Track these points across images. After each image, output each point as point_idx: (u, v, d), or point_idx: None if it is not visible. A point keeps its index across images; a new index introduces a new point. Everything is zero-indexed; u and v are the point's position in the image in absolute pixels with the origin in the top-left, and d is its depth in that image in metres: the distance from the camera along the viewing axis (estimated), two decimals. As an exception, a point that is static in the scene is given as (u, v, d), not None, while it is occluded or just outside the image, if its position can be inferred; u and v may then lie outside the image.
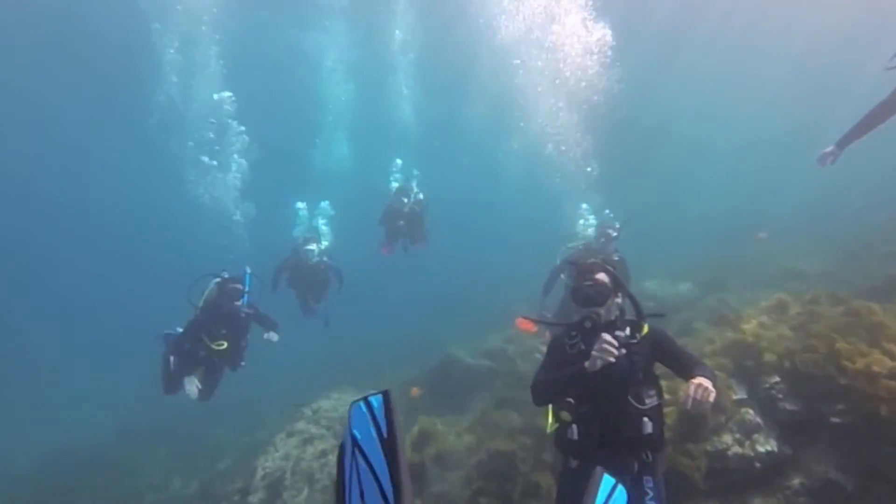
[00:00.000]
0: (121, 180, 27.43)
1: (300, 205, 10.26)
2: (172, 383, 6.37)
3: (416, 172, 10.18)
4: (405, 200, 8.85)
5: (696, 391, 2.57)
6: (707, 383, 2.61)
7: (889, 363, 4.12)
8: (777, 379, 4.85)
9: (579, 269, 3.20)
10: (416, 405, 8.05)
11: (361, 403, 1.28)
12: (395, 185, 9.64)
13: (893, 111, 4.34)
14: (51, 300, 29.06)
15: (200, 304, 6.26)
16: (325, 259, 8.24)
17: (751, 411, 4.75)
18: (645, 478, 2.86)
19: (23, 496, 11.32)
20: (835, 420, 4.35)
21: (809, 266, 10.91)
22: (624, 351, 2.84)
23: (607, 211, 8.13)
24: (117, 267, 29.90)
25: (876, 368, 4.09)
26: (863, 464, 4.10)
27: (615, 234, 6.97)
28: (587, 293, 3.03)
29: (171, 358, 6.23)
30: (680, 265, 13.10)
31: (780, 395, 4.78)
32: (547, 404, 3.15)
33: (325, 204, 10.48)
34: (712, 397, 2.56)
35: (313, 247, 8.05)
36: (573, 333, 3.12)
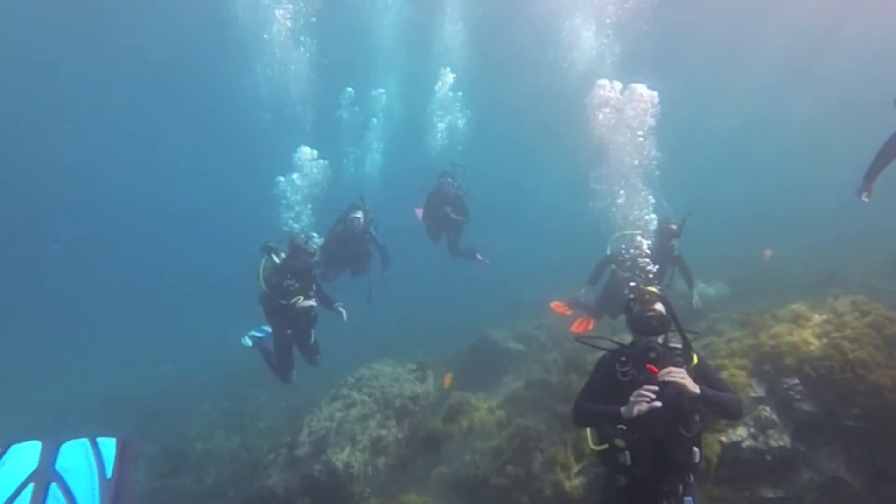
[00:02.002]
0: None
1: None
2: (283, 371, 6.95)
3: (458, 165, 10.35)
4: (450, 181, 8.69)
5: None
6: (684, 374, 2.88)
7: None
8: (796, 381, 5.12)
9: (640, 298, 3.24)
10: (453, 380, 8.60)
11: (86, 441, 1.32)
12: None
13: None
14: (124, 273, 31.27)
15: (261, 281, 6.58)
16: (371, 230, 8.23)
17: (767, 409, 5.07)
18: (686, 498, 3.01)
19: (89, 433, 12.53)
20: (849, 423, 4.64)
21: (850, 274, 10.86)
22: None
23: (665, 204, 7.72)
24: (185, 246, 31.73)
25: (888, 381, 4.35)
26: (872, 466, 4.40)
27: (675, 227, 6.71)
28: (651, 324, 3.08)
29: (267, 357, 6.78)
30: (717, 264, 13.16)
31: (798, 397, 5.05)
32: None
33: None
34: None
35: (359, 214, 8.02)
36: (623, 359, 3.11)
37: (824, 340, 5.41)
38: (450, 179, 8.66)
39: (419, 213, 9.22)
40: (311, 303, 6.63)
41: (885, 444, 4.27)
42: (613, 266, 6.92)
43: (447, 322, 14.06)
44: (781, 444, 4.84)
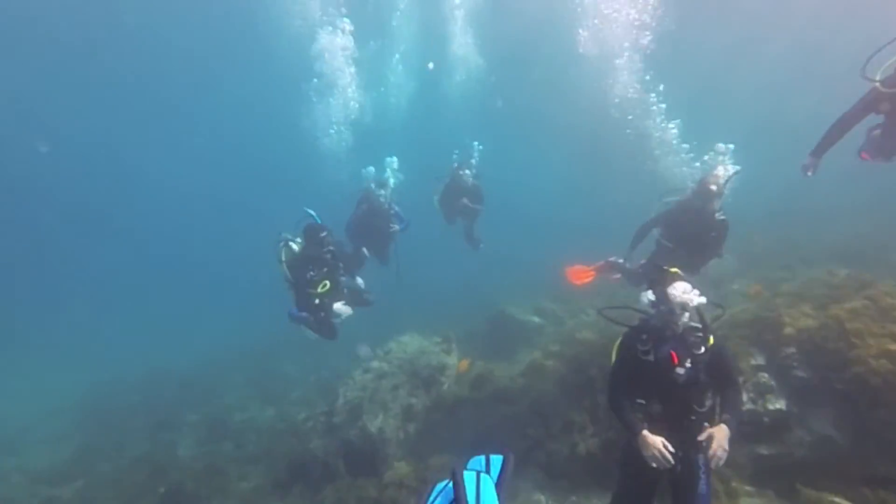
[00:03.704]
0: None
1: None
2: (327, 330, 6.86)
3: (476, 144, 10.07)
4: (467, 173, 8.91)
5: (713, 444, 3.13)
6: (725, 437, 3.14)
7: (888, 345, 4.81)
8: (793, 350, 5.58)
9: (663, 278, 3.47)
10: (473, 352, 9.17)
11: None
12: (455, 156, 9.55)
13: (857, 120, 4.71)
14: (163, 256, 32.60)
15: (284, 265, 6.57)
16: (394, 207, 8.31)
17: (766, 375, 5.54)
18: (699, 458, 3.31)
19: (134, 402, 13.55)
20: (839, 387, 5.09)
21: (865, 246, 10.98)
22: (689, 366, 3.30)
23: (706, 157, 7.18)
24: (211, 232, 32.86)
25: (874, 349, 4.80)
26: (857, 424, 4.87)
27: (716, 189, 5.79)
28: (669, 306, 3.36)
29: (308, 323, 6.76)
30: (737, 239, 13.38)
31: (795, 364, 5.51)
32: None
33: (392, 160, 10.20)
34: (722, 462, 3.12)
35: (383, 191, 8.15)
36: (644, 337, 3.43)
37: (822, 312, 5.84)
38: (466, 171, 8.85)
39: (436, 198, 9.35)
40: (346, 313, 6.71)
41: (870, 405, 4.73)
42: (657, 231, 6.39)
43: (467, 297, 14.64)
44: (778, 406, 5.33)
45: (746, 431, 5.32)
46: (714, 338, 3.40)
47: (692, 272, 5.90)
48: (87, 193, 32.06)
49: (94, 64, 22.62)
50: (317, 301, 6.56)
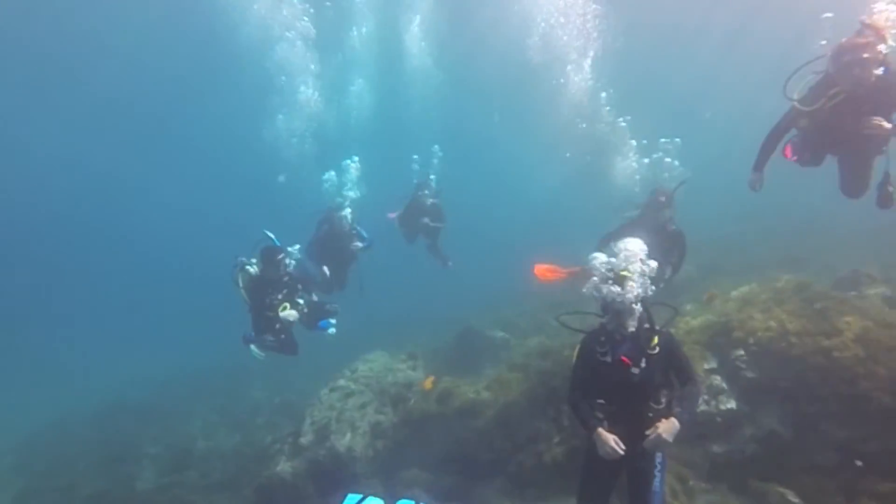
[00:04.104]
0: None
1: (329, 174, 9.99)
2: (288, 347, 6.92)
3: (436, 149, 10.24)
4: (426, 193, 9.00)
5: (654, 436, 3.33)
6: (671, 430, 3.32)
7: (822, 342, 5.17)
8: (742, 352, 5.90)
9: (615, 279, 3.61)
10: (439, 368, 9.25)
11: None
12: (415, 159, 9.78)
13: (783, 135, 5.06)
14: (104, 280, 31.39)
15: (242, 290, 6.55)
16: (356, 227, 8.31)
17: (718, 377, 5.83)
18: (655, 454, 3.52)
19: (87, 437, 12.96)
20: (783, 384, 5.42)
21: (811, 254, 11.61)
22: (647, 366, 3.47)
23: (666, 174, 7.44)
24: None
25: (811, 347, 5.15)
26: (799, 418, 5.19)
27: (664, 199, 6.27)
28: (615, 308, 3.54)
29: (263, 341, 6.79)
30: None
31: (744, 366, 5.82)
32: None
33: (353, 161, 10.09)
34: (665, 448, 3.40)
35: (346, 212, 8.10)
36: (602, 339, 3.61)
37: (767, 315, 6.19)
38: (426, 192, 8.99)
39: (393, 216, 9.44)
40: (293, 316, 6.71)
41: (808, 400, 5.05)
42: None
43: (433, 314, 14.73)
44: (729, 406, 5.61)
45: (701, 432, 5.59)
46: (660, 336, 3.57)
47: (654, 283, 6.14)
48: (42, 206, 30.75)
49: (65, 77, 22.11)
50: (277, 325, 6.60)
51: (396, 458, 7.19)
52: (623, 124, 10.05)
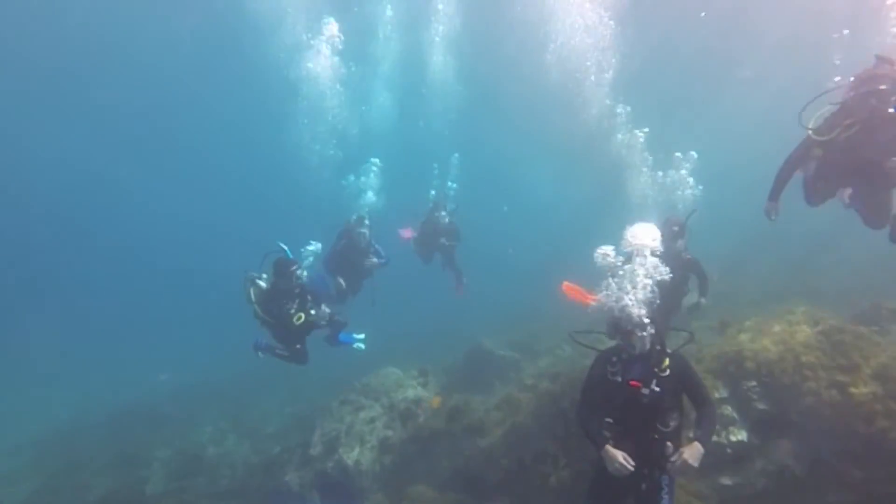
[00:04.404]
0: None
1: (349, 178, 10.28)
2: (300, 356, 7.02)
3: (456, 156, 10.59)
4: (443, 214, 9.10)
5: (680, 461, 3.30)
6: (696, 454, 3.30)
7: (837, 377, 5.12)
8: (754, 383, 5.85)
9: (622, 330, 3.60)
10: (450, 385, 9.29)
11: None
12: (433, 194, 9.81)
13: (798, 164, 5.10)
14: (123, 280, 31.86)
15: (255, 304, 6.63)
16: (374, 245, 8.38)
17: (729, 408, 5.78)
18: (663, 476, 3.56)
19: (101, 437, 13.19)
20: (795, 418, 5.37)
21: (830, 284, 11.47)
22: (657, 389, 3.47)
23: (680, 206, 7.55)
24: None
25: (825, 380, 5.10)
26: (812, 454, 5.13)
27: (678, 229, 6.41)
28: (622, 328, 3.54)
29: (272, 350, 6.93)
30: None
31: (755, 397, 5.77)
32: None
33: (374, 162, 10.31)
34: (693, 472, 3.39)
35: (365, 229, 8.14)
36: (614, 359, 3.63)
37: (780, 346, 6.14)
38: (443, 213, 9.10)
39: (405, 233, 9.57)
40: (324, 318, 6.84)
41: (822, 435, 4.99)
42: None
43: (445, 331, 14.76)
44: (740, 438, 5.56)
45: (710, 462, 5.53)
46: (672, 358, 3.59)
47: (668, 312, 6.18)
48: (60, 213, 31.46)
49: (74, 82, 22.73)
50: (299, 336, 6.70)
51: (403, 474, 7.21)
52: (641, 137, 10.06)
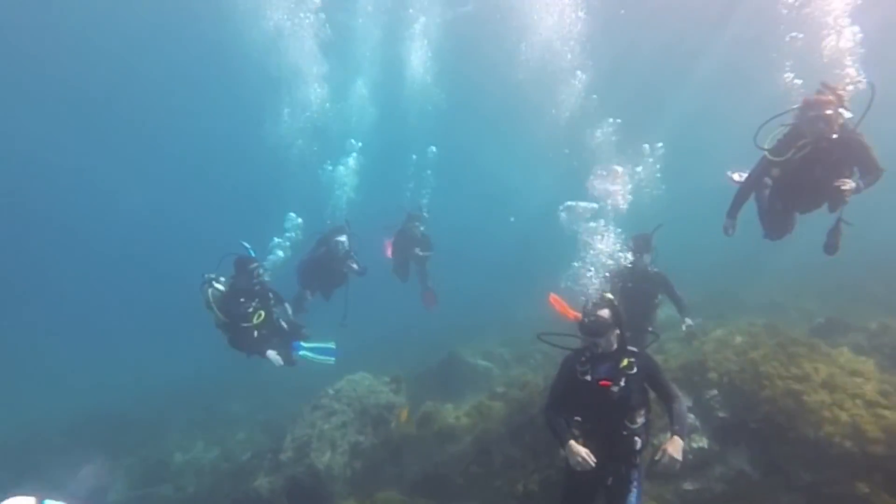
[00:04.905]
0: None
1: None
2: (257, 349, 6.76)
3: (433, 149, 10.66)
4: (417, 224, 9.13)
5: (666, 458, 3.37)
6: (678, 448, 3.38)
7: (792, 385, 5.37)
8: (715, 392, 6.08)
9: (591, 304, 3.84)
10: (422, 392, 9.34)
11: None
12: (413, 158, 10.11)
13: (755, 184, 5.34)
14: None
15: (214, 308, 6.44)
16: (352, 254, 8.21)
17: (692, 416, 5.97)
18: (632, 471, 3.68)
19: (67, 444, 12.76)
20: (753, 426, 5.59)
21: (796, 301, 11.95)
22: (623, 384, 3.57)
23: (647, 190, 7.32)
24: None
25: (781, 389, 5.34)
26: (767, 459, 5.35)
27: (643, 244, 6.60)
28: (589, 327, 3.73)
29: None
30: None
31: (717, 405, 6.00)
32: None
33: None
34: (678, 466, 3.37)
35: (344, 238, 7.99)
36: (583, 358, 3.75)
37: (742, 357, 6.40)
38: (417, 223, 9.14)
39: (387, 251, 9.54)
40: (277, 362, 6.68)
41: (777, 441, 5.22)
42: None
43: (419, 339, 14.79)
44: (701, 445, 5.75)
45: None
46: (637, 357, 3.71)
47: (640, 326, 6.21)
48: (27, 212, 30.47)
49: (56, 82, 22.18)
50: (255, 334, 6.56)
51: (373, 479, 7.23)
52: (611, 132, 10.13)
